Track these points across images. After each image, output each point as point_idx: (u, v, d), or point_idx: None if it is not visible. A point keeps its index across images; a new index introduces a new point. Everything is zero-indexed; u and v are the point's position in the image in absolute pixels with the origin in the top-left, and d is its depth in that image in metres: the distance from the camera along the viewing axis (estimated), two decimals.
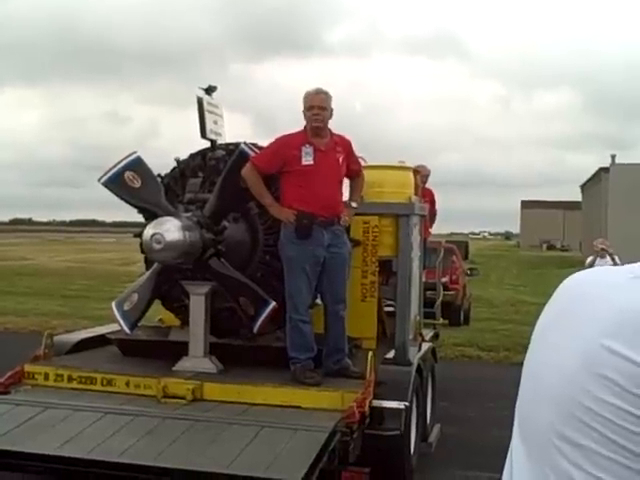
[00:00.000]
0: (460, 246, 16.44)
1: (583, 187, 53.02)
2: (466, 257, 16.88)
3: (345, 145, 5.32)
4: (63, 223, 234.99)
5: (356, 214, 5.68)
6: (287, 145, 5.10)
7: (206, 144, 5.76)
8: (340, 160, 5.22)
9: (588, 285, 1.29)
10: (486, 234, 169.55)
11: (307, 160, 5.04)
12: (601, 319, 1.17)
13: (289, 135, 5.20)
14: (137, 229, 5.24)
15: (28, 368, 5.14)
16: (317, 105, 5.09)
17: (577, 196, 57.77)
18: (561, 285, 1.32)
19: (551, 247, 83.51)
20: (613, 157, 40.73)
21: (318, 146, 5.10)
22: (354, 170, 5.41)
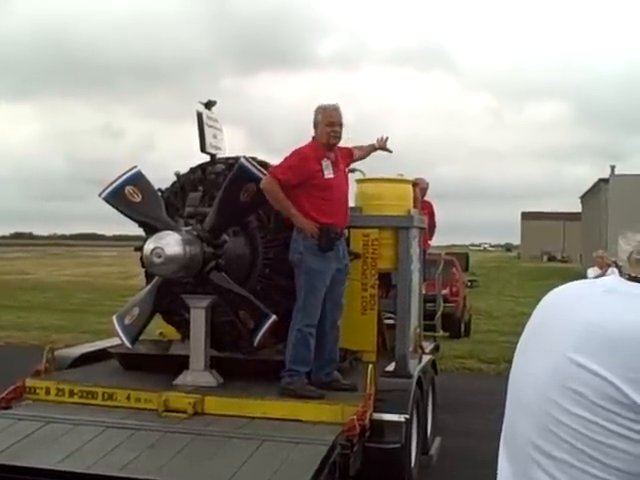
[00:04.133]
0: (461, 258, 16.42)
1: (583, 198, 53.06)
2: (466, 269, 16.85)
3: (345, 155, 5.47)
4: (63, 237, 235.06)
5: (356, 227, 5.77)
6: (307, 158, 5.11)
7: (205, 158, 5.80)
8: (346, 171, 5.40)
9: (563, 299, 1.33)
10: (487, 246, 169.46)
11: (329, 174, 5.11)
12: (571, 333, 1.21)
13: (306, 148, 5.19)
14: (138, 242, 5.27)
15: (29, 383, 5.15)
16: (337, 122, 5.17)
17: (577, 207, 57.84)
18: (542, 299, 1.35)
19: (552, 258, 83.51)
20: (613, 168, 40.81)
21: (332, 159, 5.18)
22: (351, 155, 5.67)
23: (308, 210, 5.05)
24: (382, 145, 5.92)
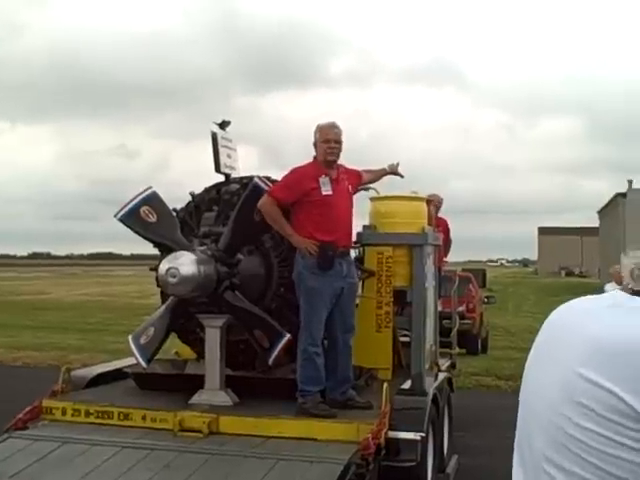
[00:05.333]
0: (477, 274, 16.37)
1: (600, 212, 52.78)
2: (484, 285, 16.78)
3: (353, 177, 5.47)
4: (81, 256, 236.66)
5: (370, 245, 5.77)
6: (304, 176, 5.16)
7: (220, 178, 5.84)
8: (350, 189, 5.37)
9: (570, 314, 1.36)
10: (504, 261, 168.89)
11: (326, 190, 5.11)
12: (576, 348, 1.23)
13: (303, 167, 5.26)
14: (154, 261, 5.30)
15: (46, 403, 5.17)
16: (333, 139, 5.19)
17: (594, 222, 57.52)
18: (550, 315, 1.38)
19: (570, 273, 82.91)
20: (630, 182, 40.65)
21: (332, 176, 5.18)
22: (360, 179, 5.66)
23: (307, 227, 5.08)
24: (394, 169, 5.95)
